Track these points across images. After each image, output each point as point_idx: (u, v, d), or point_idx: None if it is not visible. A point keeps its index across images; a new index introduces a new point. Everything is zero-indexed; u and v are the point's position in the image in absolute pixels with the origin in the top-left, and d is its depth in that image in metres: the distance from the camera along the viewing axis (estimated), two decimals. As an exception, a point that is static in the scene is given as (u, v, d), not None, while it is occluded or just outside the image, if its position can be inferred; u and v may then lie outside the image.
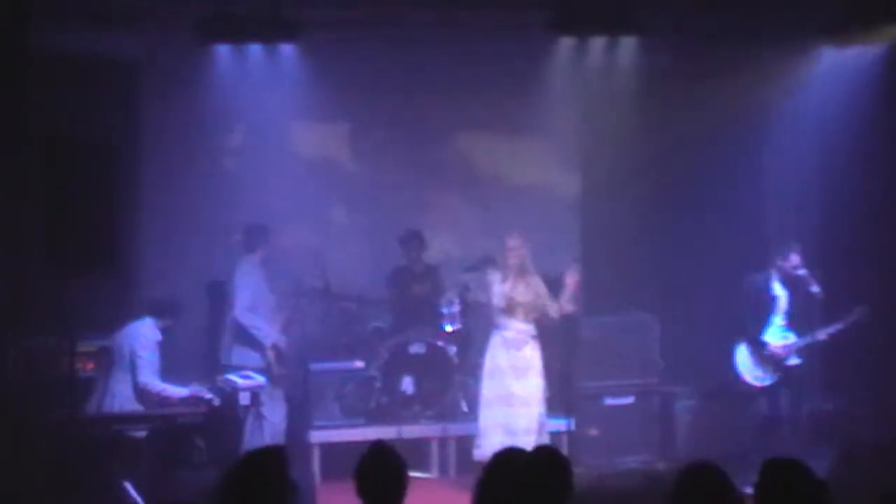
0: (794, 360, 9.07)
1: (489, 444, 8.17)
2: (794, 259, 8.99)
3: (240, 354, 9.07)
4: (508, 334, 8.77)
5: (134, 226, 9.11)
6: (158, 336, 8.39)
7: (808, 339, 9.02)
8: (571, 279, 8.73)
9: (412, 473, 4.66)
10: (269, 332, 9.13)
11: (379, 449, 4.64)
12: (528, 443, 7.59)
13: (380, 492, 4.51)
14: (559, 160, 11.32)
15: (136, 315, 8.49)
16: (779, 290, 9.09)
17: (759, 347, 9.05)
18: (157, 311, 8.49)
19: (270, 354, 9.05)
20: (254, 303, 9.11)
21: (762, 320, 9.08)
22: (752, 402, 9.13)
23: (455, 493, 8.21)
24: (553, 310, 8.77)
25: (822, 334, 8.99)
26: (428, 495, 7.81)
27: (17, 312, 7.97)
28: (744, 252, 9.79)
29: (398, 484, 4.53)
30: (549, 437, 8.66)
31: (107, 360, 8.39)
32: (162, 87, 9.87)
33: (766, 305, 9.07)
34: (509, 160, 11.21)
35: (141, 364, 8.23)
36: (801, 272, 8.96)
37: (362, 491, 4.51)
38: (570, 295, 8.75)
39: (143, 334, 8.34)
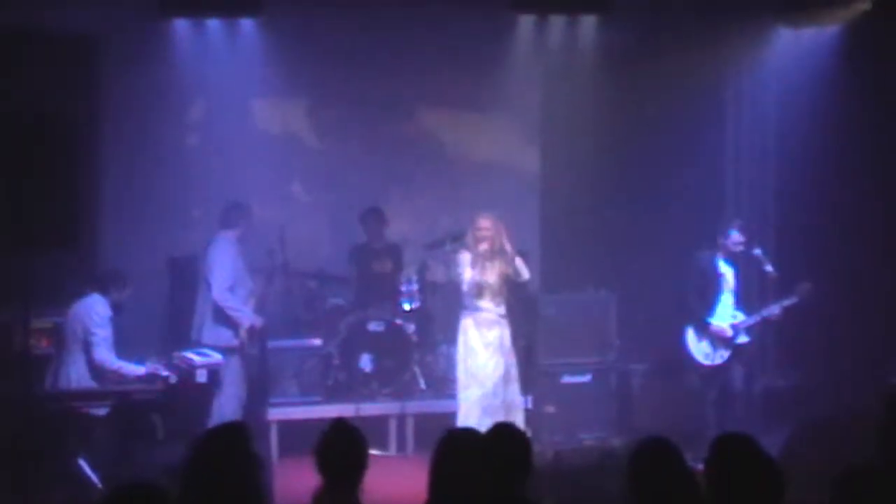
0: (742, 339, 9.03)
1: (470, 425, 8.12)
2: (735, 236, 8.94)
3: (212, 333, 8.98)
4: (480, 316, 8.69)
5: (94, 202, 9.03)
6: (110, 312, 8.20)
7: (754, 318, 9.01)
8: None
9: (370, 451, 4.68)
10: (247, 313, 9.03)
11: (340, 426, 4.65)
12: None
13: (340, 469, 4.52)
14: (520, 137, 11.34)
15: (84, 293, 8.28)
16: (724, 268, 9.02)
17: (704, 327, 9.01)
18: (104, 286, 8.29)
19: (245, 335, 8.99)
20: (232, 283, 9.00)
21: (708, 299, 9.02)
22: (707, 379, 9.15)
23: (413, 471, 8.19)
24: (521, 275, 8.62)
25: (765, 312, 8.99)
26: (385, 472, 7.80)
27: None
28: (700, 230, 9.84)
29: (359, 461, 4.55)
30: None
31: (59, 337, 8.27)
32: (121, 62, 9.77)
33: (711, 284, 9.02)
34: (471, 137, 11.22)
35: (96, 341, 8.07)
36: (756, 252, 8.95)
37: (323, 468, 4.52)
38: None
39: (96, 312, 8.16)
